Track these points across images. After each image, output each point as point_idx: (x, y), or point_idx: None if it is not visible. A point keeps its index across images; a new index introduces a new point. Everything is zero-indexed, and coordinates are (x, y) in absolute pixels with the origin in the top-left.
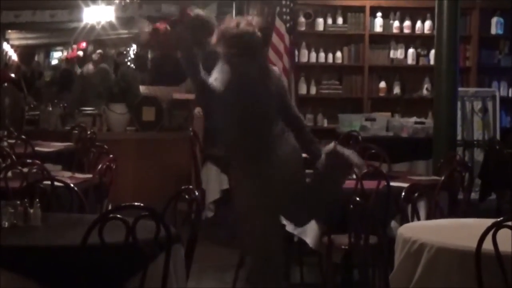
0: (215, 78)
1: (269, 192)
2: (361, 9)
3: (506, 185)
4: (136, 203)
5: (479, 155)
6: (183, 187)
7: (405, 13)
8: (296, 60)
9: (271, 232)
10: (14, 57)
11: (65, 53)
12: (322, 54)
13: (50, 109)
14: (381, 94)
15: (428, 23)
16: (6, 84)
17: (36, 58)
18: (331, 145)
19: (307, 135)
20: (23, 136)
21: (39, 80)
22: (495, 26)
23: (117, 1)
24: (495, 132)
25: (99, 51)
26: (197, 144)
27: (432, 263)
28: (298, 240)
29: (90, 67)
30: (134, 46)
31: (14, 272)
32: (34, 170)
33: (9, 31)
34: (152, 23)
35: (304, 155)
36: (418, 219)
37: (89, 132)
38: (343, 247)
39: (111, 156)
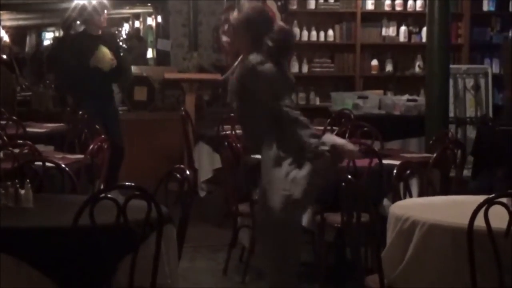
0: None
1: None
2: None
3: (499, 162)
4: (127, 183)
5: (471, 133)
6: (174, 167)
7: None
8: None
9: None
10: (6, 38)
11: (56, 33)
12: (314, 33)
13: (42, 90)
14: (373, 72)
15: (419, 1)
16: None
17: (27, 39)
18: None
19: None
20: (15, 117)
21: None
22: (487, 3)
23: None
24: (487, 109)
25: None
26: (189, 123)
27: (424, 240)
28: None
29: None
30: (126, 26)
31: (5, 254)
32: (26, 151)
33: (0, 12)
34: None
35: None
36: (410, 196)
37: (80, 113)
38: (335, 225)
39: (102, 136)
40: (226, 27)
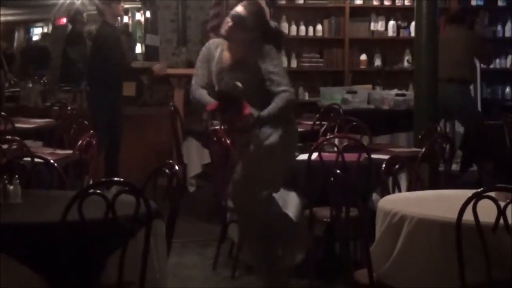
0: None
1: None
2: None
3: (487, 156)
4: (115, 179)
5: (460, 127)
6: (163, 162)
7: None
8: None
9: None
10: None
11: (45, 29)
12: (302, 27)
13: (30, 85)
14: (362, 67)
15: None
16: None
17: (16, 35)
18: None
19: None
20: (3, 113)
21: None
22: None
23: None
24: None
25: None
26: (178, 119)
27: (412, 235)
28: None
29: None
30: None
31: None
32: (14, 147)
33: None
34: None
35: None
36: (399, 191)
37: (69, 108)
38: (324, 220)
39: (91, 132)
40: (214, 22)
